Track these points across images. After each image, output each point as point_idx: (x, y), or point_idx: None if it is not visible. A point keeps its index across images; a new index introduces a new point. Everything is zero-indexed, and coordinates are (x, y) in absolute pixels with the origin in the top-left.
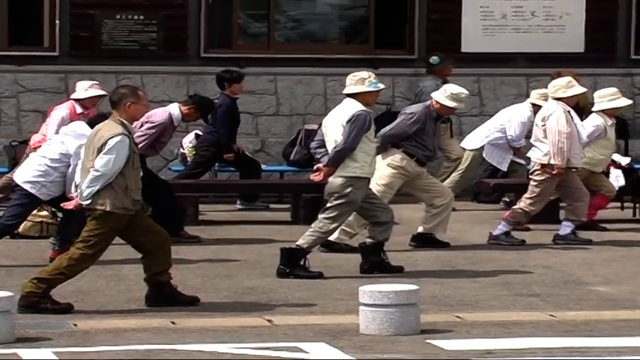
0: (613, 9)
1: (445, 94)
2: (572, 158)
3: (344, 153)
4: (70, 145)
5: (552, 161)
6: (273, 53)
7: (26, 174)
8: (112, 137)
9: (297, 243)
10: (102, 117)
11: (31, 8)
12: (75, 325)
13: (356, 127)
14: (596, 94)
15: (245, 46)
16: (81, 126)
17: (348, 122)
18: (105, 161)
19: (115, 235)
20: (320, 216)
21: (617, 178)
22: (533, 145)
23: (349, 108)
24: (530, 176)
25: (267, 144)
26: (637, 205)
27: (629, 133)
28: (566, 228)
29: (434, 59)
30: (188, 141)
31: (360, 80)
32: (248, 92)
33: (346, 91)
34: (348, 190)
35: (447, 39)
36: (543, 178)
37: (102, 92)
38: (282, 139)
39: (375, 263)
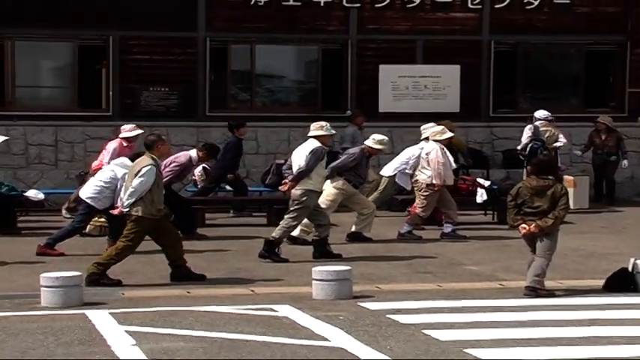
0: (478, 84)
1: (374, 141)
2: (447, 179)
3: (304, 173)
4: (119, 173)
5: (434, 181)
6: (254, 113)
7: (87, 191)
8: (145, 166)
9: (272, 235)
10: (138, 155)
11: (93, 83)
12: (123, 294)
13: (314, 157)
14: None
15: (235, 108)
16: (126, 160)
17: (309, 153)
18: (139, 182)
19: (145, 233)
20: (285, 216)
21: (481, 195)
22: (420, 172)
23: (311, 144)
24: (419, 192)
25: (251, 172)
26: (495, 213)
27: (490, 165)
28: (447, 228)
29: (348, 112)
30: (197, 171)
31: (320, 127)
32: None
33: (310, 133)
34: (304, 198)
35: (370, 103)
36: (428, 193)
37: (141, 131)
38: (261, 169)
39: (322, 252)
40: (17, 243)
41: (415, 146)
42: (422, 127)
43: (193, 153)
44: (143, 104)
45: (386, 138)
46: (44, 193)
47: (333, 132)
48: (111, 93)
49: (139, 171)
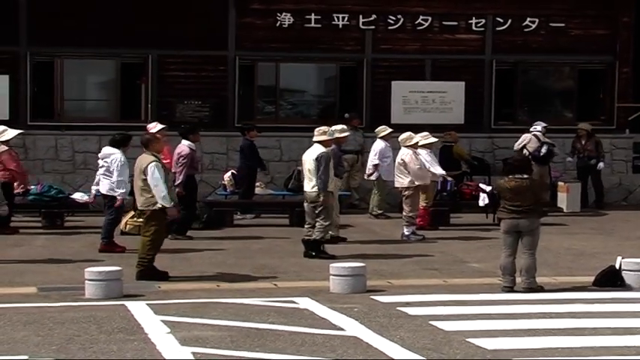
0: (480, 99)
1: (338, 132)
2: (423, 179)
3: (326, 181)
4: (107, 157)
5: (415, 182)
6: (278, 124)
7: (105, 187)
8: (149, 163)
9: (313, 237)
10: (115, 141)
11: (134, 97)
12: (159, 287)
13: (323, 164)
14: (419, 136)
15: (261, 120)
16: (104, 149)
17: (315, 160)
18: (154, 179)
19: (164, 224)
20: (317, 219)
21: (483, 199)
22: (398, 176)
23: (316, 150)
24: (402, 196)
25: (275, 178)
26: (495, 215)
27: (491, 171)
28: (408, 230)
29: (346, 115)
30: (226, 176)
31: (322, 132)
32: (264, 147)
33: (315, 139)
34: (321, 198)
35: (383, 115)
36: (409, 193)
37: (163, 126)
38: (284, 175)
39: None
40: (64, 241)
41: (375, 143)
42: (400, 139)
43: (188, 142)
44: (178, 116)
45: (344, 127)
46: (88, 196)
47: (336, 135)
48: (149, 105)
49: (146, 168)
